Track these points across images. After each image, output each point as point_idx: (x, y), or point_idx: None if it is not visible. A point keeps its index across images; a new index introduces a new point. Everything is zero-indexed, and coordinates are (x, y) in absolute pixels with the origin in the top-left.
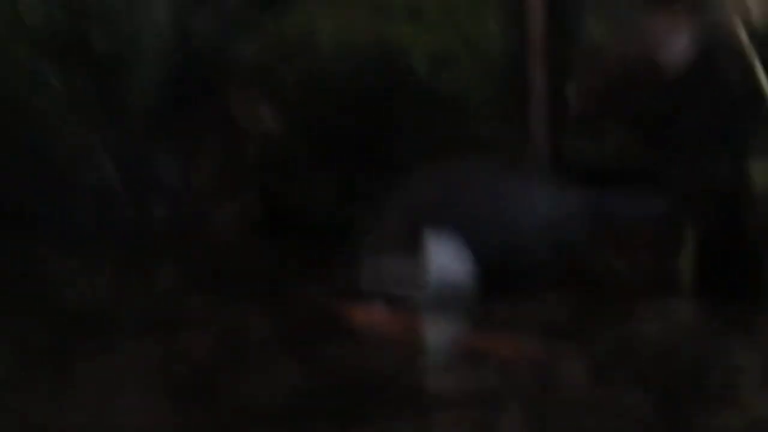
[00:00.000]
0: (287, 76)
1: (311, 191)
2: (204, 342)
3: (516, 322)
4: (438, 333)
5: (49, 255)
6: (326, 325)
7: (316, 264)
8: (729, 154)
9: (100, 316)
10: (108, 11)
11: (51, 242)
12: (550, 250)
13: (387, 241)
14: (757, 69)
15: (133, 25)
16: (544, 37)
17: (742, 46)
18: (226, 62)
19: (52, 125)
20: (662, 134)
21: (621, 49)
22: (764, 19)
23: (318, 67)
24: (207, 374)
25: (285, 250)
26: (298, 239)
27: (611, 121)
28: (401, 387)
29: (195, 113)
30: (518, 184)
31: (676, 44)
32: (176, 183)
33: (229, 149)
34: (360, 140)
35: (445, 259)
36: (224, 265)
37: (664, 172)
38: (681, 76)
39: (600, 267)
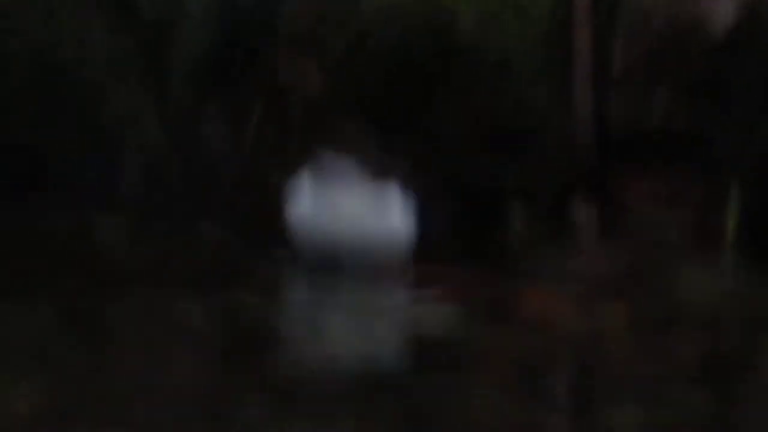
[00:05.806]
0: (333, 38)
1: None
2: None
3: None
4: None
5: (98, 217)
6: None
7: None
8: None
9: (149, 277)
10: None
11: (100, 205)
12: None
13: None
14: None
15: None
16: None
17: None
18: (273, 26)
19: (100, 90)
20: (708, 97)
21: (667, 12)
22: None
23: (364, 28)
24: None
25: None
26: None
27: (657, 84)
28: None
29: (242, 77)
30: None
31: (722, 8)
32: (224, 145)
33: (276, 112)
34: (406, 101)
35: None
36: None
37: (709, 133)
38: (726, 39)
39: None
